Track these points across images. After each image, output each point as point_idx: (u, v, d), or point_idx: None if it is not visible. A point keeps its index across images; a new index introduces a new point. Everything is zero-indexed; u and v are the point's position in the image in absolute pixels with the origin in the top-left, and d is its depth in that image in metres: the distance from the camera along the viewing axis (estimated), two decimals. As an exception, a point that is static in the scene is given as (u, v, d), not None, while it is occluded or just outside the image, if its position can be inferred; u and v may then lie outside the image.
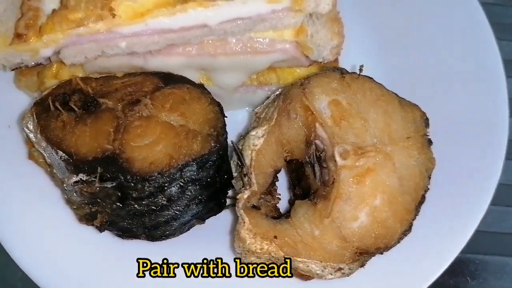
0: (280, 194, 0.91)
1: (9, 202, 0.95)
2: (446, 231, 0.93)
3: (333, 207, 0.82)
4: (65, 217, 0.94)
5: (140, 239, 0.90)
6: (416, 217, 0.87)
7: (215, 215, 0.93)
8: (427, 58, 1.05)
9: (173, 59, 0.98)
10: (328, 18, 0.99)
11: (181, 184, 0.82)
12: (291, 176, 0.94)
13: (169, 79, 0.94)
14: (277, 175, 0.91)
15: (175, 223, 0.88)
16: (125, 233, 0.89)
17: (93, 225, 0.89)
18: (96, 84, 0.93)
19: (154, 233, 0.89)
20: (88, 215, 0.88)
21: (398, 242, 0.85)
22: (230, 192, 0.95)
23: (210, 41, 0.96)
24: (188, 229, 0.92)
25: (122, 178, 0.80)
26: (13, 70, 0.94)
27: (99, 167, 0.80)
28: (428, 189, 0.88)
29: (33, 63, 0.92)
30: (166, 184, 0.81)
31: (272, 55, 0.98)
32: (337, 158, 0.84)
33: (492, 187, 0.96)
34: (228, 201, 0.95)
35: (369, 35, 1.09)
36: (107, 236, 0.92)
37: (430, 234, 0.93)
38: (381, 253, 0.84)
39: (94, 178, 0.80)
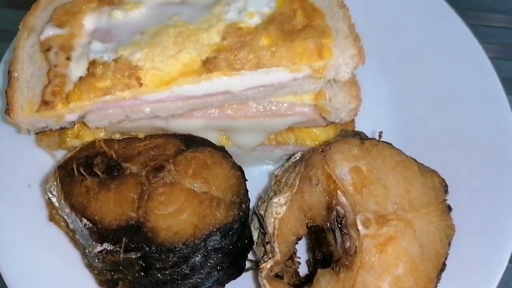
0: (299, 258, 0.91)
1: (27, 263, 0.94)
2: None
3: (357, 277, 0.82)
4: (84, 281, 0.93)
5: (161, 305, 0.90)
6: (438, 284, 0.87)
7: (234, 279, 0.93)
8: (443, 123, 1.06)
9: (194, 121, 1.00)
10: (346, 81, 1.02)
11: (205, 253, 0.83)
12: (310, 239, 0.94)
13: (190, 142, 0.95)
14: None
15: (196, 290, 0.88)
16: (146, 300, 0.89)
17: (113, 290, 0.89)
18: (118, 147, 0.95)
19: (176, 300, 0.88)
20: (109, 281, 0.88)
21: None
22: (249, 255, 0.96)
23: (231, 105, 0.99)
24: (208, 295, 0.92)
25: (147, 248, 0.80)
26: (37, 133, 0.96)
27: (124, 238, 0.80)
28: (448, 255, 0.88)
29: (57, 127, 0.94)
30: (190, 254, 0.82)
31: (292, 117, 1.00)
32: (360, 227, 0.84)
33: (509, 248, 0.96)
34: (248, 264, 0.95)
35: (385, 96, 1.11)
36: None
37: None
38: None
39: (118, 248, 0.80)
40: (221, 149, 0.95)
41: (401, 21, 1.16)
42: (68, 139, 1.02)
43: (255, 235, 0.91)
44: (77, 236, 0.89)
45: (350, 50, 0.90)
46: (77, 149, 0.95)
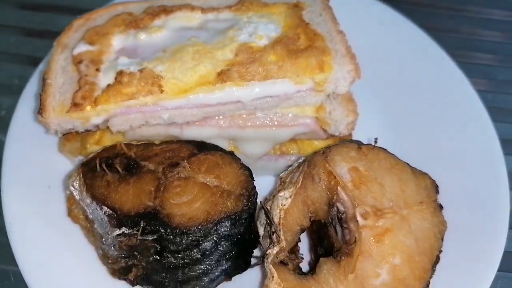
0: (302, 254, 0.97)
1: (43, 256, 0.99)
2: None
3: (356, 263, 0.87)
4: (96, 273, 0.98)
5: (171, 294, 0.94)
6: (433, 275, 0.92)
7: (241, 273, 0.98)
8: (431, 135, 1.18)
9: (206, 129, 1.10)
10: (343, 98, 1.14)
11: (215, 239, 0.89)
12: (312, 237, 1.01)
13: (202, 147, 1.05)
14: (299, 236, 0.98)
15: (205, 278, 0.93)
16: (158, 287, 0.93)
17: (125, 279, 0.94)
18: (137, 150, 1.04)
19: (185, 287, 0.93)
20: (123, 269, 0.93)
21: (418, 301, 0.90)
22: (255, 252, 1.01)
23: (240, 115, 1.09)
24: (216, 286, 0.96)
25: (162, 231, 0.87)
26: (63, 135, 1.05)
27: (142, 221, 0.87)
28: (441, 250, 0.95)
29: (83, 129, 1.03)
30: (202, 238, 0.88)
31: (295, 128, 1.11)
32: (359, 218, 0.92)
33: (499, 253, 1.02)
34: (254, 261, 1.00)
35: (378, 112, 1.23)
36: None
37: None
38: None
39: (136, 231, 0.87)
40: (231, 153, 1.05)
41: (393, 54, 1.31)
42: (89, 146, 1.12)
43: (261, 230, 0.97)
44: (95, 226, 0.95)
45: (348, 65, 1.03)
46: (99, 151, 1.04)
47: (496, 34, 1.57)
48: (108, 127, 1.07)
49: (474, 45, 1.53)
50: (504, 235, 1.04)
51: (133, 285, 0.94)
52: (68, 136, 1.12)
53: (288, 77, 1.01)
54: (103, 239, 0.93)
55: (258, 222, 0.99)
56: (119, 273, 0.94)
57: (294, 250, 0.93)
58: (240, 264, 0.97)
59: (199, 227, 0.87)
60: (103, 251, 0.95)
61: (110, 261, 0.94)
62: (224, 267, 0.94)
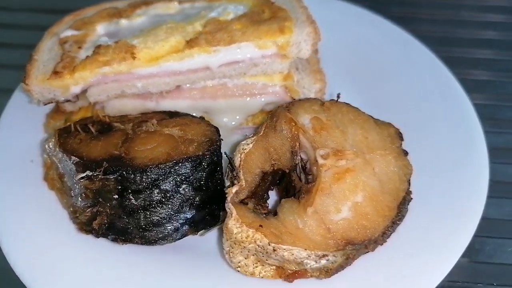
0: (268, 198, 0.96)
1: (19, 220, 1.02)
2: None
3: (315, 198, 0.86)
4: (67, 232, 0.99)
5: (135, 243, 0.94)
6: (401, 218, 0.89)
7: (208, 228, 0.97)
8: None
9: (180, 101, 1.16)
10: (312, 70, 1.19)
11: (176, 181, 0.91)
12: (278, 189, 1.00)
13: (174, 114, 1.10)
14: (268, 193, 0.98)
15: (168, 226, 0.92)
16: (121, 236, 0.93)
17: (91, 231, 0.95)
18: (112, 118, 1.09)
19: (148, 235, 0.92)
20: (89, 220, 0.94)
21: (383, 238, 0.87)
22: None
23: (212, 86, 1.15)
24: (181, 237, 0.95)
25: (124, 171, 0.89)
26: (45, 104, 1.12)
27: (104, 162, 0.90)
28: (410, 192, 0.93)
29: (62, 99, 1.11)
30: (161, 177, 0.89)
31: (264, 97, 1.15)
32: (318, 159, 0.92)
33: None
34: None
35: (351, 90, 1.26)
36: (103, 245, 0.96)
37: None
38: (367, 247, 0.85)
39: (99, 172, 0.90)
40: (201, 118, 1.09)
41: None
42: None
43: (227, 183, 0.98)
44: (65, 179, 0.98)
45: (307, 28, 1.09)
46: (77, 120, 1.10)
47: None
48: (90, 105, 1.15)
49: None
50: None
51: (98, 235, 0.94)
52: (53, 115, 1.20)
53: (251, 40, 1.07)
54: (71, 192, 0.96)
55: (225, 178, 1.00)
56: (86, 225, 0.95)
57: (258, 194, 0.93)
58: (206, 216, 0.96)
59: (159, 165, 0.89)
60: (72, 206, 0.97)
61: (77, 215, 0.96)
62: (187, 215, 0.94)
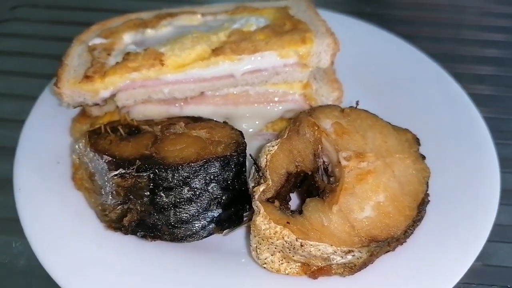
0: (290, 198, 1.00)
1: (49, 219, 1.05)
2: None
3: (340, 197, 0.90)
4: (94, 231, 1.02)
5: (163, 239, 0.97)
6: (421, 219, 0.93)
7: (233, 227, 1.01)
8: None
9: (203, 107, 1.20)
10: (329, 80, 1.25)
11: (205, 179, 0.94)
12: (301, 192, 1.04)
13: (198, 119, 1.14)
14: (290, 195, 1.02)
15: (196, 223, 0.96)
16: (150, 233, 0.96)
17: (120, 228, 0.98)
18: (140, 122, 1.14)
19: (177, 232, 0.96)
20: (118, 218, 0.97)
21: (405, 237, 0.90)
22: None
23: (234, 93, 1.20)
24: (208, 235, 0.98)
25: (156, 168, 0.93)
26: (74, 108, 1.16)
27: (137, 161, 0.94)
28: (428, 194, 0.97)
29: (91, 103, 1.15)
30: (192, 175, 0.93)
31: (284, 104, 1.20)
32: (341, 160, 0.96)
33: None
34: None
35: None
36: (131, 242, 0.99)
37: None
38: (389, 246, 0.89)
39: (132, 169, 0.93)
40: (225, 122, 1.13)
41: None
42: (97, 128, 1.22)
43: (251, 184, 1.02)
44: (95, 178, 1.01)
45: (327, 39, 1.15)
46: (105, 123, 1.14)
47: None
48: (115, 110, 1.19)
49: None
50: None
51: (127, 232, 0.97)
52: (79, 119, 1.24)
53: (274, 50, 1.13)
54: (102, 190, 0.99)
55: (249, 179, 1.04)
56: (115, 223, 0.98)
57: (282, 195, 0.97)
58: (231, 216, 1.00)
59: (190, 163, 0.93)
60: (101, 204, 1.01)
61: (107, 212, 0.99)
62: (214, 214, 0.97)
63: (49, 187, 1.11)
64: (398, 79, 1.35)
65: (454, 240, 1.00)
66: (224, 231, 1.00)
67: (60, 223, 1.04)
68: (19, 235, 1.03)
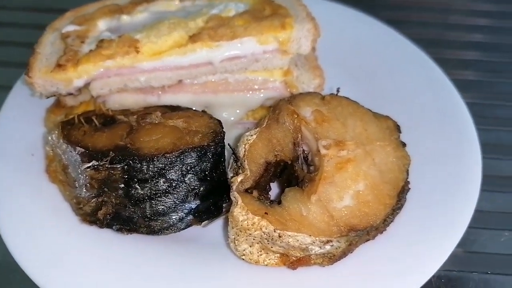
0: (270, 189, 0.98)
1: (22, 212, 1.02)
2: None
3: (319, 187, 0.89)
4: (69, 224, 1.00)
5: (140, 232, 0.95)
6: (401, 207, 0.92)
7: (212, 218, 0.99)
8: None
9: (181, 96, 1.17)
10: (310, 66, 1.22)
11: (181, 170, 0.92)
12: (281, 180, 1.02)
13: (176, 108, 1.11)
14: (270, 185, 1.00)
15: (173, 216, 0.94)
16: (126, 226, 0.94)
17: (96, 221, 0.95)
18: (116, 111, 1.10)
19: (153, 224, 0.93)
20: (93, 211, 0.95)
21: (384, 226, 0.89)
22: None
23: (213, 81, 1.17)
24: (185, 227, 0.96)
25: (130, 160, 0.90)
26: (47, 98, 1.13)
27: (111, 152, 0.91)
28: (409, 182, 0.96)
29: (65, 92, 1.11)
30: (168, 166, 0.91)
31: (265, 92, 1.18)
32: (321, 149, 0.94)
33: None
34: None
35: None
36: (106, 236, 0.96)
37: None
38: (368, 235, 0.88)
39: (105, 161, 0.90)
40: (203, 111, 1.11)
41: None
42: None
43: (230, 174, 1.00)
44: (69, 170, 0.98)
45: (307, 25, 1.12)
46: (80, 113, 1.11)
47: None
48: (91, 99, 1.15)
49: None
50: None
51: (102, 225, 0.95)
52: (53, 109, 1.20)
53: (253, 36, 1.10)
54: (76, 182, 0.97)
55: (228, 170, 1.02)
56: (90, 216, 0.96)
57: (261, 185, 0.95)
58: (210, 207, 0.98)
59: (165, 154, 0.91)
60: (76, 197, 0.98)
61: (81, 205, 0.97)
62: (192, 205, 0.95)
63: (23, 180, 1.08)
64: (380, 65, 1.33)
65: (435, 227, 0.99)
66: (203, 223, 0.98)
67: (34, 217, 1.01)
68: (-8, 230, 1.00)
